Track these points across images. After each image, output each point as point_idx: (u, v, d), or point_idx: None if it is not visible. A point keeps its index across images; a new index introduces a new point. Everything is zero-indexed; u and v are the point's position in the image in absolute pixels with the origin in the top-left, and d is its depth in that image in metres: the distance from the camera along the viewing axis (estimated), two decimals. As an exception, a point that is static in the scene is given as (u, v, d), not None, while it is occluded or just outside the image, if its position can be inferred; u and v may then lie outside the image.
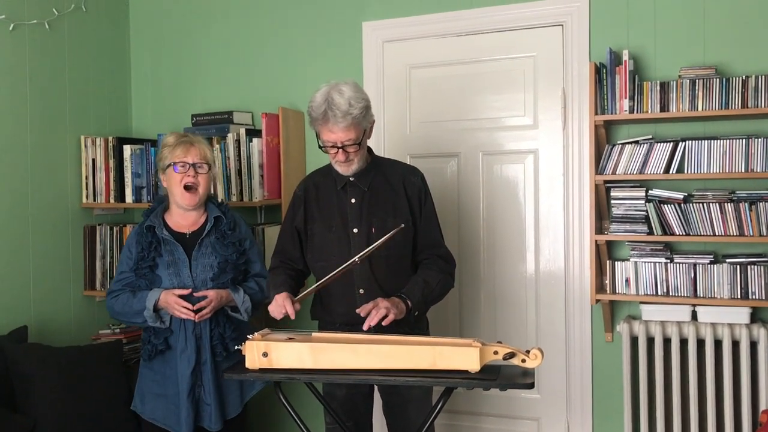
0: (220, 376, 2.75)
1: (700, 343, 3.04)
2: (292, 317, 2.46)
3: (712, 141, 2.98)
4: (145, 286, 2.74)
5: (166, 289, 2.71)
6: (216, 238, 2.79)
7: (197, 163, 2.76)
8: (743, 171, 2.93)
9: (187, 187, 2.76)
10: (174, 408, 2.75)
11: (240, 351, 2.73)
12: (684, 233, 3.00)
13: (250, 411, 3.01)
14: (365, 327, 2.37)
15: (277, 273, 2.68)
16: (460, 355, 2.12)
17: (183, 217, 2.83)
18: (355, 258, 2.40)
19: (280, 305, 2.46)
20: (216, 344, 2.75)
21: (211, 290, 2.71)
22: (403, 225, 2.51)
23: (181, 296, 2.68)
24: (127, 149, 3.67)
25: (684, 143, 3.02)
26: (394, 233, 2.42)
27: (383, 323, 2.38)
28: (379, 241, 2.40)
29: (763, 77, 2.89)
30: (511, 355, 2.10)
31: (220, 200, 2.97)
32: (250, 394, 2.89)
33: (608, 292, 3.15)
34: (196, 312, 2.66)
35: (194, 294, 2.70)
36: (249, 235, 2.93)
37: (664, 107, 3.01)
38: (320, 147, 2.57)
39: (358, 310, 2.42)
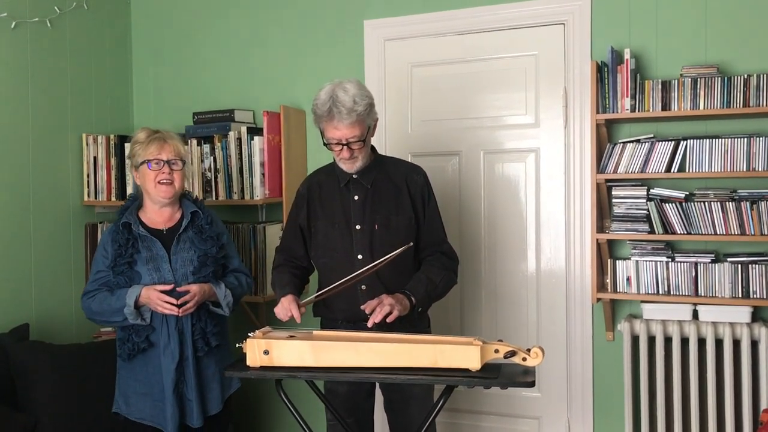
0: (201, 372, 2.75)
1: (701, 342, 3.04)
2: (298, 321, 2.46)
3: (714, 140, 2.98)
4: (124, 283, 2.68)
5: (147, 285, 2.66)
6: (194, 233, 2.77)
7: (171, 160, 2.73)
8: (745, 170, 2.93)
9: (161, 181, 2.73)
10: (160, 405, 2.73)
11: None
12: (685, 232, 3.00)
13: (234, 411, 2.99)
14: (369, 324, 2.37)
15: (282, 271, 2.69)
16: (461, 354, 2.12)
17: (158, 213, 2.80)
18: (361, 270, 2.40)
19: (286, 308, 2.47)
20: (197, 339, 2.72)
21: (194, 284, 2.68)
22: (411, 243, 2.51)
23: (162, 291, 2.63)
24: (128, 147, 3.66)
25: (685, 142, 3.02)
26: (400, 252, 2.40)
27: (387, 320, 2.38)
28: (385, 258, 2.39)
29: (765, 76, 2.88)
30: (512, 354, 2.11)
31: (195, 196, 2.94)
32: (229, 391, 2.88)
33: (609, 290, 3.16)
34: (179, 306, 2.62)
35: (177, 289, 2.66)
36: (225, 230, 2.93)
37: (665, 106, 3.01)
38: (325, 144, 2.58)
39: (362, 307, 2.43)
